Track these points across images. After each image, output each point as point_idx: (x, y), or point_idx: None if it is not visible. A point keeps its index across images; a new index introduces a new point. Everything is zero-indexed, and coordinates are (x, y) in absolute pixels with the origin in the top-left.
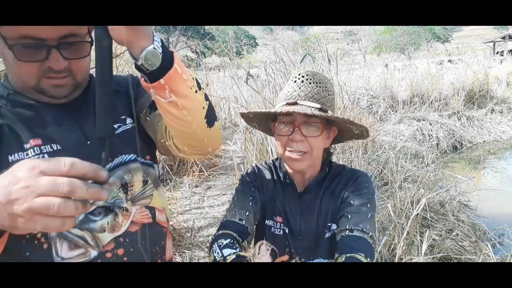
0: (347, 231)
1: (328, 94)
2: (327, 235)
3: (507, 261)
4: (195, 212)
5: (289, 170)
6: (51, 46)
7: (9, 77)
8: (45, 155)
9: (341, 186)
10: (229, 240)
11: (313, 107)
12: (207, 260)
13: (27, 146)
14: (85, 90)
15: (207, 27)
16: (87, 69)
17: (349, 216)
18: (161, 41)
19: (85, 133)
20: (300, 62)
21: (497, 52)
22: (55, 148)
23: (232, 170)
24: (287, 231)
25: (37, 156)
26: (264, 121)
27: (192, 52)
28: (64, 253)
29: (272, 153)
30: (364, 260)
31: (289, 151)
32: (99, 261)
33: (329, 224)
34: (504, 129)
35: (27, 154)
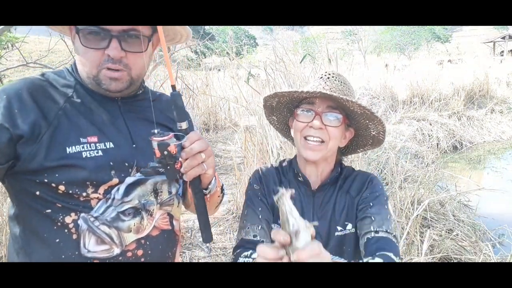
0: (372, 233)
1: (350, 94)
2: (339, 233)
3: (507, 261)
4: None
5: (302, 168)
6: (113, 36)
7: (78, 67)
8: (99, 151)
9: (356, 187)
10: (250, 251)
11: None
12: (207, 260)
13: (83, 140)
14: (137, 95)
15: (207, 27)
16: (143, 68)
17: (373, 218)
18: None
19: (132, 136)
20: (300, 62)
21: (497, 52)
22: (108, 146)
23: (232, 170)
24: None
25: (92, 152)
26: (285, 113)
27: (192, 52)
28: (91, 246)
29: (272, 153)
30: (395, 259)
31: (307, 138)
32: (120, 259)
33: (346, 223)
34: (504, 129)
35: (83, 147)
